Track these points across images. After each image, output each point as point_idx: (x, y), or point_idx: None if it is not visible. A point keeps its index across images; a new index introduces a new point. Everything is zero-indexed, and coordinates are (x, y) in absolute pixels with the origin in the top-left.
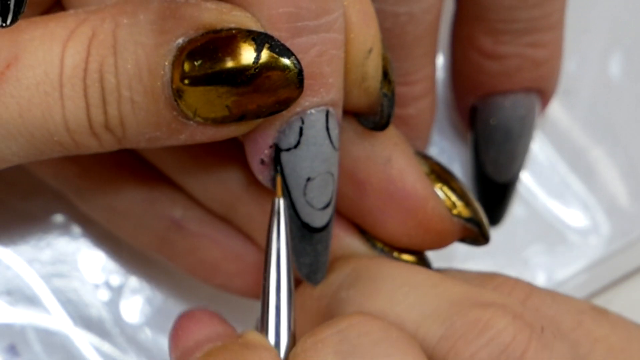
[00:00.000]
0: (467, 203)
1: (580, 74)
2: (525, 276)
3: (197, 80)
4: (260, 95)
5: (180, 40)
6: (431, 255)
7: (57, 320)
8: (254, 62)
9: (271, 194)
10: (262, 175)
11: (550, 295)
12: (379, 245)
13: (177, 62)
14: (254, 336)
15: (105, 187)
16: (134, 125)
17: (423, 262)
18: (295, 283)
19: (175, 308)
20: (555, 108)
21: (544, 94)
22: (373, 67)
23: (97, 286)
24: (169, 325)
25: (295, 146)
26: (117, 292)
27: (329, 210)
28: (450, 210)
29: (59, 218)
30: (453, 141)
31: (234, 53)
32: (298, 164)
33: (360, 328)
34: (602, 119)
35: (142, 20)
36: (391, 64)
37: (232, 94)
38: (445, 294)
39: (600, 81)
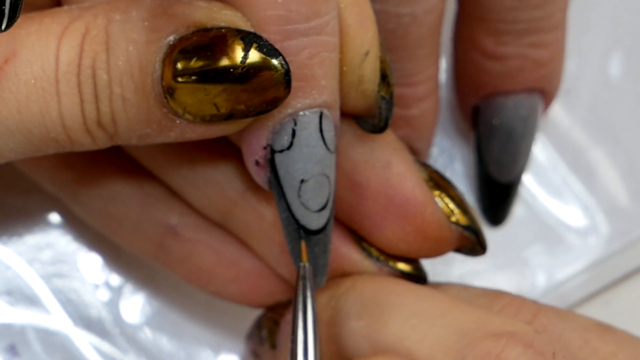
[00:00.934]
0: (465, 211)
1: (580, 74)
2: (525, 276)
3: (186, 78)
4: (248, 94)
5: (171, 38)
6: None
7: (57, 320)
8: (241, 61)
9: (268, 200)
10: (258, 176)
11: (556, 313)
12: (375, 253)
13: (167, 59)
14: None
15: (101, 192)
16: (125, 122)
17: (418, 271)
18: None
19: (175, 308)
20: (556, 108)
21: (546, 95)
22: (370, 70)
23: (97, 286)
24: (169, 325)
25: (289, 147)
26: (117, 292)
27: (326, 213)
28: (448, 217)
29: (59, 218)
30: (455, 141)
31: (222, 52)
32: (291, 166)
33: None
34: (602, 119)
35: (135, 16)
36: (390, 67)
37: (220, 92)
38: (453, 323)
39: (601, 81)
